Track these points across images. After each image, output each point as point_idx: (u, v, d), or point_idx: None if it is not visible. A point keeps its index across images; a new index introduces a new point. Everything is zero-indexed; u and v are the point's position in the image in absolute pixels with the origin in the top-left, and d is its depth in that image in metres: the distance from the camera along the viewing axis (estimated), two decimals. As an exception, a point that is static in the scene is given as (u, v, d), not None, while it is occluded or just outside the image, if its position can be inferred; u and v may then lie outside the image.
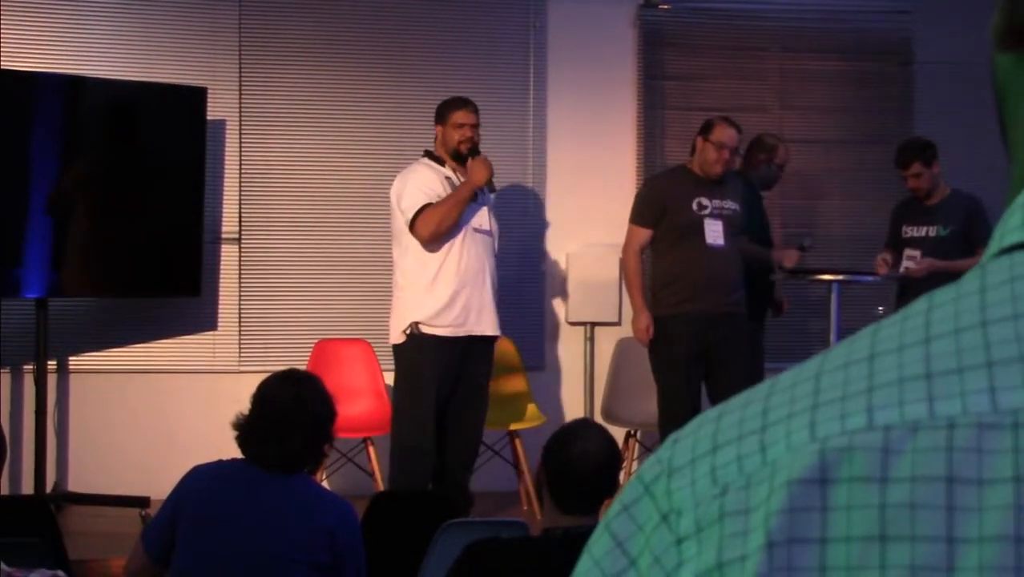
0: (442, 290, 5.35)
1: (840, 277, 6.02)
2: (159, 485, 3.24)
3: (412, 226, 5.34)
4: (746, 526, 0.47)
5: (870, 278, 6.16)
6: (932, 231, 5.93)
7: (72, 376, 6.44)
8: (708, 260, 5.55)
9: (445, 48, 6.74)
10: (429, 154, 5.57)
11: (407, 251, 5.43)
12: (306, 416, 3.13)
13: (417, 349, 5.36)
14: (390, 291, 6.75)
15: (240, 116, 6.55)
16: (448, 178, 5.45)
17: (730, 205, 5.70)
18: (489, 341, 5.52)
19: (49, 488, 6.07)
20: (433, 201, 5.33)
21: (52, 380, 6.23)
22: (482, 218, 5.47)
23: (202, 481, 3.14)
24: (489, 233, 5.49)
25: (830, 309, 5.95)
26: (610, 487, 2.83)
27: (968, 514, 0.43)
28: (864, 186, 6.89)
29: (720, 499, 0.48)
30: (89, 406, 6.42)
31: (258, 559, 3.04)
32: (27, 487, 6.15)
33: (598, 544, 0.52)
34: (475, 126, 5.52)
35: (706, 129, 5.72)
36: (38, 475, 5.90)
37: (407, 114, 6.68)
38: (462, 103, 5.55)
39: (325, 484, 6.31)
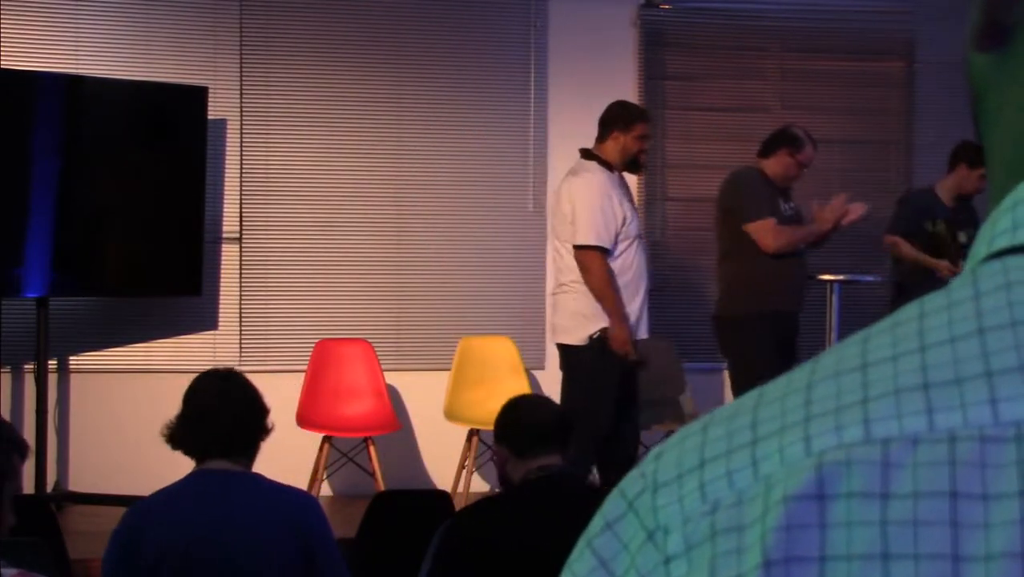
0: (630, 299, 5.33)
1: (840, 277, 6.03)
2: (159, 485, 3.24)
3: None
4: (740, 544, 0.45)
5: (870, 278, 6.16)
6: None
7: (72, 376, 6.44)
8: (798, 259, 5.62)
9: (445, 48, 6.74)
10: (596, 157, 5.43)
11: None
12: (231, 398, 3.13)
13: (602, 355, 5.27)
14: (391, 291, 6.77)
15: (241, 116, 6.55)
16: (618, 185, 5.41)
17: (795, 205, 5.76)
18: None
19: (50, 488, 6.07)
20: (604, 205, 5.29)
21: (52, 380, 6.24)
22: (640, 227, 5.48)
23: (152, 513, 3.05)
24: (645, 241, 5.54)
25: (830, 309, 5.96)
26: (564, 430, 3.16)
27: (974, 531, 0.42)
28: (864, 186, 6.89)
29: (711, 516, 0.47)
30: (89, 406, 6.42)
31: (229, 568, 2.97)
32: (28, 487, 6.14)
33: (581, 562, 0.50)
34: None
35: (795, 144, 5.68)
36: (38, 475, 5.90)
37: (408, 113, 6.68)
38: (645, 114, 5.55)
39: (326, 484, 6.32)
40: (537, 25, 6.86)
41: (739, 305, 5.57)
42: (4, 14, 6.28)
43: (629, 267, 5.34)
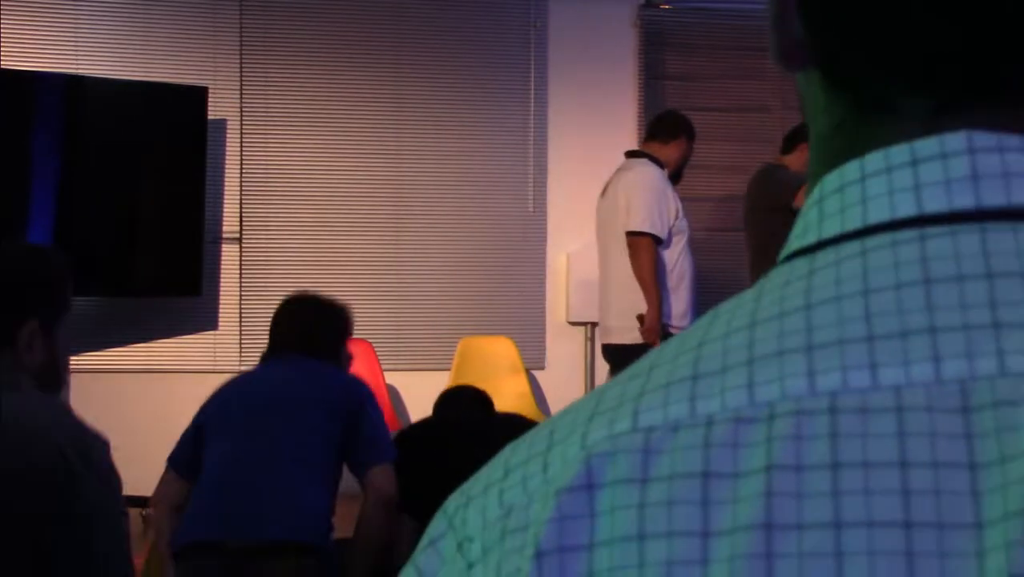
0: (682, 292, 5.37)
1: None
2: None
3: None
4: (523, 541, 0.47)
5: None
6: None
7: (72, 376, 6.43)
8: None
9: (445, 48, 6.75)
10: (650, 157, 5.47)
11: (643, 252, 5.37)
12: (306, 309, 3.50)
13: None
14: (391, 291, 6.76)
15: (241, 116, 6.55)
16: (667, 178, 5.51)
17: None
18: None
19: (49, 488, 6.07)
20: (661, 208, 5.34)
21: (52, 380, 6.24)
22: (688, 225, 5.54)
23: (220, 390, 3.42)
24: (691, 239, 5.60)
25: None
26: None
27: (722, 507, 0.44)
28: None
29: (503, 520, 0.49)
30: (89, 406, 6.40)
31: (279, 416, 3.23)
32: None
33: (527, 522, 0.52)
34: None
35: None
36: (38, 475, 5.90)
37: (408, 114, 6.69)
38: None
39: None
40: (537, 25, 6.86)
41: None
42: (4, 14, 6.28)
43: (679, 261, 5.38)
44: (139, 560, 3.97)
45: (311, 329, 3.43)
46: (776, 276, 0.51)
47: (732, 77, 7.05)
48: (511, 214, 6.83)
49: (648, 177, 5.37)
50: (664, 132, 5.53)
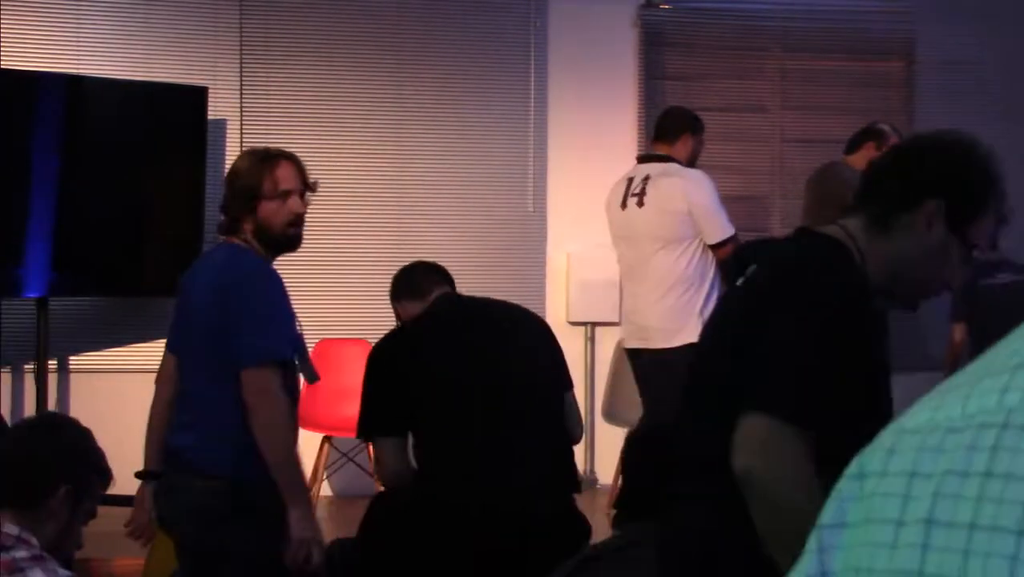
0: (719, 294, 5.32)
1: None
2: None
3: None
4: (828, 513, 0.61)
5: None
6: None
7: (72, 376, 6.44)
8: None
9: (446, 48, 6.75)
10: (670, 159, 5.38)
11: (689, 254, 5.30)
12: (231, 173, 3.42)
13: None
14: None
15: (241, 116, 6.55)
16: None
17: None
18: None
19: (49, 488, 6.07)
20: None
21: (52, 380, 6.24)
22: None
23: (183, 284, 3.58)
24: None
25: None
26: (438, 269, 4.31)
27: (915, 501, 0.53)
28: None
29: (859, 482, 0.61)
30: (89, 406, 6.41)
31: (189, 311, 3.42)
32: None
33: (828, 503, 0.64)
34: None
35: (880, 138, 5.67)
36: (38, 475, 5.90)
37: (408, 113, 6.69)
38: None
39: (326, 484, 6.32)
40: (537, 25, 6.86)
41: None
42: (4, 14, 6.28)
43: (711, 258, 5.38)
44: (140, 560, 3.98)
45: (223, 208, 3.41)
46: None
47: (732, 77, 7.05)
48: (511, 214, 6.83)
49: (706, 183, 5.28)
50: (669, 131, 5.46)
